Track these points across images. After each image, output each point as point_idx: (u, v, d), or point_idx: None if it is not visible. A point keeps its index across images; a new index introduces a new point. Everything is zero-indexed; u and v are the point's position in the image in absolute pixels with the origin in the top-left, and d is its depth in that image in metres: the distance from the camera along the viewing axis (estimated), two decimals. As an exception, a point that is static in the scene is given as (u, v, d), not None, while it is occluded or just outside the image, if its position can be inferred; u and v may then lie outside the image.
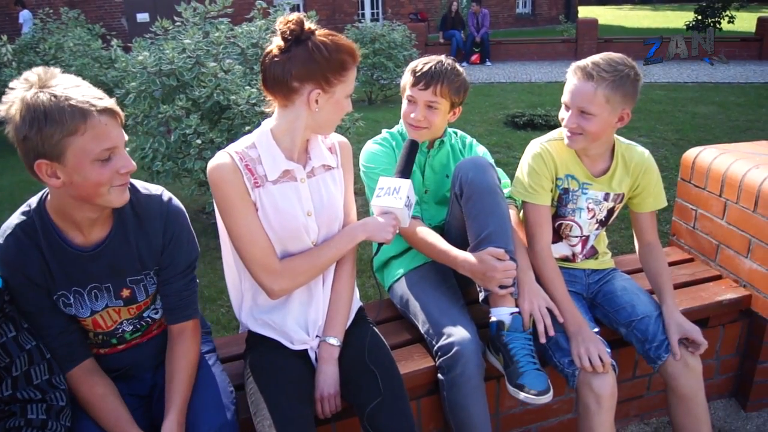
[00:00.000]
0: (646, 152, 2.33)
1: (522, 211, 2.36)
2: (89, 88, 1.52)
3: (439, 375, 2.11)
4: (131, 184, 1.76)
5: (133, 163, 1.58)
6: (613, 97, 2.06)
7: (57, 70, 1.52)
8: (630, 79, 2.08)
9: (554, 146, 2.28)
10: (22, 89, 1.46)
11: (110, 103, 1.51)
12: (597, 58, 2.10)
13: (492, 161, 2.40)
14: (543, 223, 2.27)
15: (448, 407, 2.10)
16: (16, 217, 1.66)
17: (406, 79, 2.29)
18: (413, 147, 2.08)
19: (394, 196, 1.93)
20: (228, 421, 1.75)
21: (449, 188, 2.25)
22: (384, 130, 2.45)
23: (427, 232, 2.23)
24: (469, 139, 2.53)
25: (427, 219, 2.40)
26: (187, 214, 1.85)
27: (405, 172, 2.01)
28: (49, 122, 1.42)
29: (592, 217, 2.34)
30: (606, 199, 2.32)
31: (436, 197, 2.43)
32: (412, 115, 2.27)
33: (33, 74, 1.47)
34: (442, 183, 2.41)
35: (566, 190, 2.31)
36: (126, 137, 1.58)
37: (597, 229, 2.39)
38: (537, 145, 2.30)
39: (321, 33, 1.76)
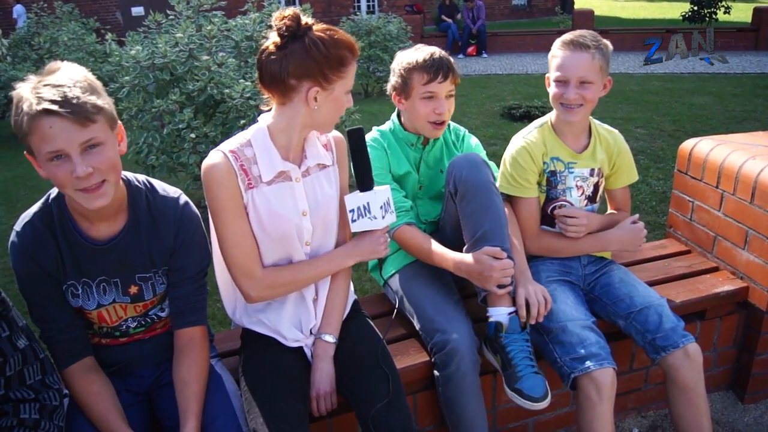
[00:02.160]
0: (616, 131, 2.46)
1: (511, 205, 2.38)
2: (65, 87, 1.46)
3: (435, 371, 2.10)
4: (150, 184, 1.77)
5: (85, 170, 1.48)
6: (603, 64, 2.21)
7: (63, 65, 1.54)
8: (608, 49, 2.24)
9: (536, 135, 2.34)
10: (25, 82, 1.50)
11: (58, 105, 1.43)
12: (576, 33, 2.23)
13: (485, 154, 2.38)
14: (531, 215, 2.35)
15: (443, 403, 2.09)
16: (36, 206, 1.70)
17: (416, 78, 2.19)
18: (359, 140, 1.89)
19: (368, 217, 1.88)
20: (239, 425, 1.76)
21: (444, 183, 2.23)
22: (374, 128, 2.39)
23: (421, 236, 2.21)
24: (462, 130, 2.50)
25: (423, 215, 2.38)
26: (201, 221, 1.84)
27: (365, 181, 1.90)
28: (17, 117, 1.47)
29: (582, 194, 2.39)
30: (591, 174, 2.38)
31: (431, 193, 2.40)
32: (438, 111, 2.20)
33: (44, 68, 1.52)
34: (436, 178, 2.39)
35: (553, 173, 2.35)
36: (90, 137, 1.48)
37: (587, 205, 2.42)
38: (520, 139, 2.35)
39: (318, 28, 1.72)
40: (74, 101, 1.45)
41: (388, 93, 2.34)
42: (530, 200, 2.34)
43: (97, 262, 1.71)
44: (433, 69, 2.17)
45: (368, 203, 1.86)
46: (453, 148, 2.43)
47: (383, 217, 1.87)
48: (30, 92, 1.46)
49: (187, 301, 1.83)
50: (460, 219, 2.11)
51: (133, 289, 1.78)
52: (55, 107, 1.43)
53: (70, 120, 1.45)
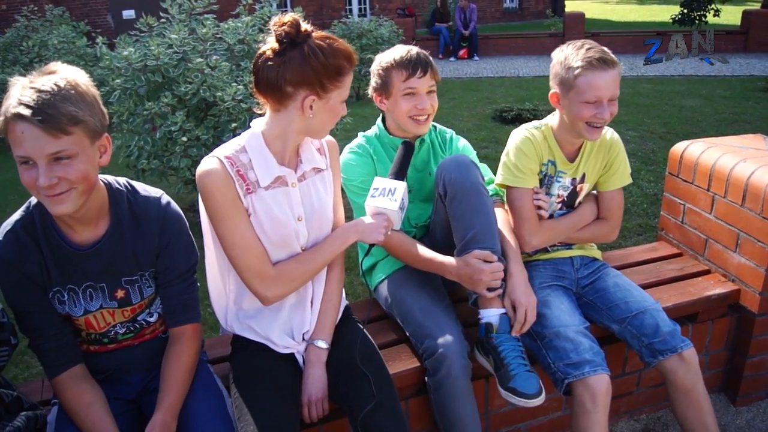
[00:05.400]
0: (613, 132, 2.40)
1: (507, 199, 2.36)
2: (46, 93, 1.42)
3: (426, 377, 2.09)
4: (130, 186, 1.76)
5: (48, 181, 1.45)
6: None
7: (60, 68, 1.51)
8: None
9: (539, 133, 2.32)
10: (22, 78, 1.48)
11: (32, 111, 1.40)
12: (584, 46, 2.13)
13: (474, 154, 2.38)
14: (532, 206, 2.30)
15: (435, 409, 2.08)
16: (17, 214, 1.67)
17: (395, 75, 2.17)
18: (408, 150, 2.05)
19: (389, 197, 1.89)
20: (225, 429, 1.75)
21: (433, 185, 2.22)
22: (360, 134, 2.38)
23: (409, 241, 2.21)
24: (449, 132, 2.49)
25: (413, 218, 2.37)
26: (185, 220, 1.83)
27: (400, 174, 1.99)
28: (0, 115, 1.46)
29: (560, 200, 2.40)
30: (572, 184, 2.38)
31: (421, 196, 2.38)
32: (420, 106, 2.19)
33: (43, 68, 1.51)
34: (425, 181, 2.37)
35: (546, 176, 2.35)
36: (59, 149, 1.44)
37: (561, 209, 2.41)
38: (523, 130, 2.33)
39: (317, 36, 1.71)
40: (48, 110, 1.41)
41: (369, 95, 2.31)
42: (530, 191, 2.30)
43: (82, 268, 1.69)
44: (411, 65, 2.17)
45: (395, 189, 1.91)
46: (440, 150, 2.41)
47: (400, 208, 1.90)
48: (17, 91, 1.44)
49: (178, 299, 1.82)
50: (450, 221, 2.11)
51: (120, 293, 1.75)
52: (27, 113, 1.40)
53: (41, 129, 1.41)
